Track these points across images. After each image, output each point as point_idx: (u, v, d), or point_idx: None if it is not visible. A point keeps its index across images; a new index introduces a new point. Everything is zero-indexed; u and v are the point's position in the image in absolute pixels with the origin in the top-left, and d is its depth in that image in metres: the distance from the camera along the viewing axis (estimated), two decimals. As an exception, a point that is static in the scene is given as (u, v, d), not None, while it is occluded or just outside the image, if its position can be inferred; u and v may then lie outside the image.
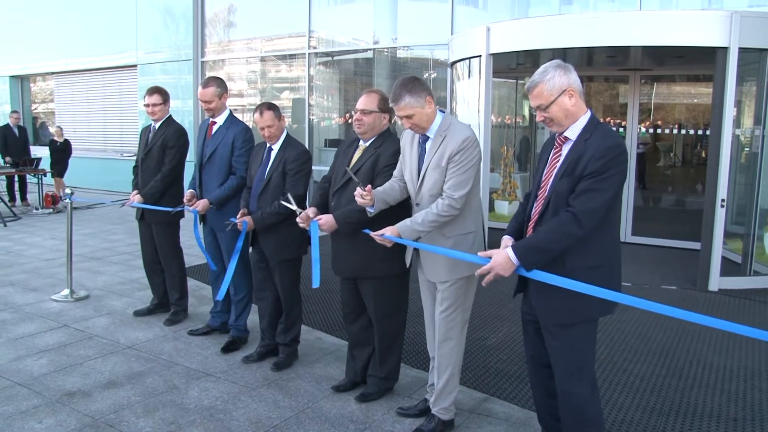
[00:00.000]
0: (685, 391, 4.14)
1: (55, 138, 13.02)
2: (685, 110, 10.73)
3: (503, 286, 5.91)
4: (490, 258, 2.78)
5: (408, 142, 3.53)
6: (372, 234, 3.36)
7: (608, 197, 2.65)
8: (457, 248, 3.30)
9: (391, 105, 3.38)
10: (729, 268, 7.03)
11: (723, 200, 6.54)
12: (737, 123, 7.04)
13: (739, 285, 6.74)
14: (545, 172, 2.87)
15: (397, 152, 3.66)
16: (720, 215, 6.56)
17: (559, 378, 2.87)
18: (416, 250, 3.49)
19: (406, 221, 3.29)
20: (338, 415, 3.74)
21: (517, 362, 4.58)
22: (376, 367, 3.98)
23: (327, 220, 3.66)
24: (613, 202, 2.71)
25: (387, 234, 3.29)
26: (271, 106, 4.32)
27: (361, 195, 3.36)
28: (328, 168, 4.14)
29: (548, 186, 2.80)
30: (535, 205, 2.88)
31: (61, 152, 12.85)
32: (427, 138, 3.38)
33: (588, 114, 2.78)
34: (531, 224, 2.87)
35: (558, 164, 2.79)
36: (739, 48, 6.35)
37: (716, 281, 6.65)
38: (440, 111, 3.40)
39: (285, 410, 3.80)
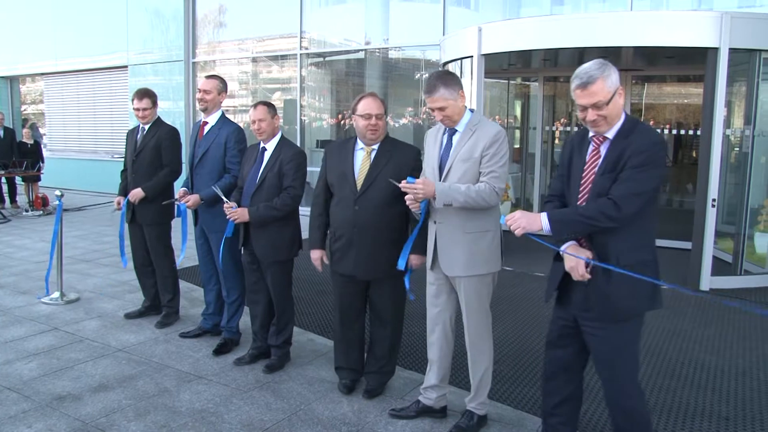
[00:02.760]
0: (677, 391, 4.15)
1: (24, 139, 12.50)
2: (675, 110, 10.79)
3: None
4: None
5: (432, 139, 3.58)
6: (404, 186, 3.31)
7: (647, 188, 2.65)
8: (476, 245, 3.38)
9: (424, 96, 3.43)
10: (720, 267, 7.06)
11: (714, 200, 6.56)
12: (727, 123, 7.07)
13: (730, 284, 6.77)
14: (585, 171, 2.83)
15: (419, 155, 3.78)
16: (711, 215, 6.58)
17: (614, 378, 2.85)
18: (434, 247, 3.52)
19: (445, 184, 3.31)
20: (330, 417, 3.73)
21: (508, 363, 4.58)
22: (384, 364, 4.05)
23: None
24: (653, 197, 2.73)
25: (419, 186, 3.25)
26: (267, 103, 4.38)
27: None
28: (319, 169, 4.10)
29: (590, 185, 2.79)
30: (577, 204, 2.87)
31: (32, 155, 12.27)
32: (455, 132, 3.44)
33: (623, 112, 2.77)
34: None
35: (599, 162, 2.77)
36: (730, 48, 6.37)
37: (707, 281, 6.67)
38: (469, 109, 3.47)
39: (277, 413, 3.78)
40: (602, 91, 2.66)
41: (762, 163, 7.27)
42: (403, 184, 3.31)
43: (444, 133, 3.50)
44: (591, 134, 2.82)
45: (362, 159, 3.81)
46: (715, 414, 3.84)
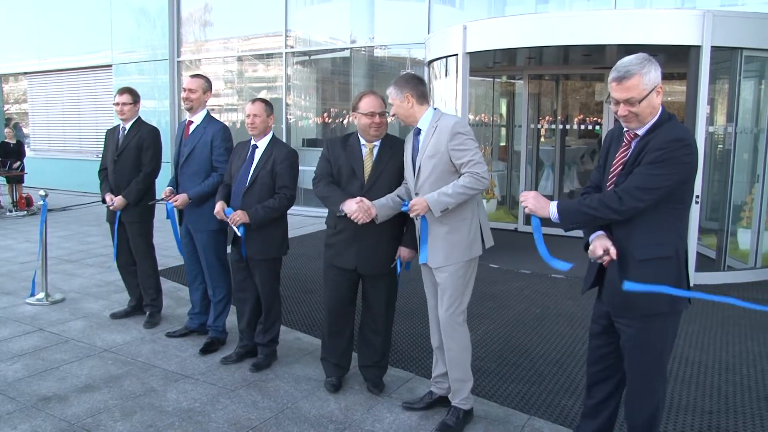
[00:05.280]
0: (662, 386, 4.19)
1: (6, 139, 12.29)
2: (659, 108, 10.84)
3: (480, 283, 5.89)
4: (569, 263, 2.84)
5: (408, 143, 3.71)
6: (410, 210, 3.45)
7: (656, 184, 2.59)
8: (455, 235, 3.48)
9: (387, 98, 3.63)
10: (704, 263, 7.13)
11: (697, 197, 6.60)
12: (710, 120, 7.13)
13: (714, 280, 6.83)
14: (613, 165, 2.83)
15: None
16: (694, 211, 6.63)
17: (635, 378, 2.87)
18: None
19: (433, 194, 3.39)
20: (317, 416, 3.73)
21: (495, 360, 4.60)
22: (380, 358, 4.10)
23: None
24: (679, 196, 2.69)
25: (415, 206, 3.41)
26: (266, 101, 4.43)
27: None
28: (311, 168, 4.16)
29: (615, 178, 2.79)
30: None
31: (14, 154, 12.06)
32: (419, 131, 3.57)
33: (659, 110, 2.71)
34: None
35: (626, 158, 2.77)
36: (712, 46, 6.43)
37: (691, 276, 6.69)
38: (434, 108, 3.62)
39: (264, 411, 3.78)
40: (637, 88, 2.61)
41: (744, 160, 7.35)
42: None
43: (414, 135, 3.63)
44: (625, 129, 2.79)
45: (365, 155, 3.87)
46: (699, 408, 3.88)
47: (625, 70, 2.62)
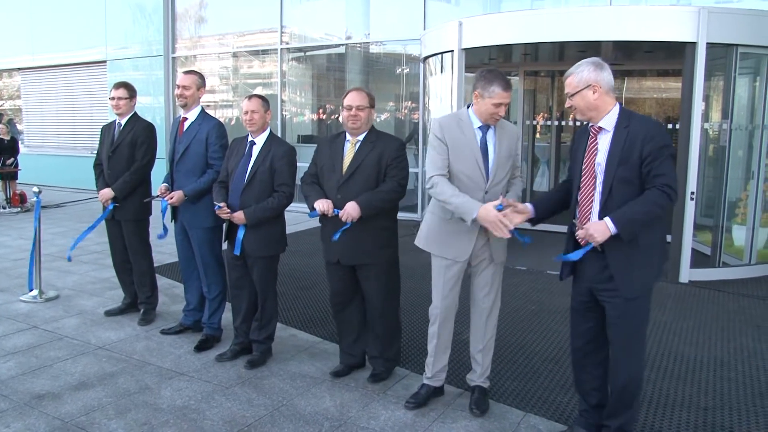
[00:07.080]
0: (657, 382, 4.20)
1: (0, 135, 12.18)
2: (655, 104, 10.87)
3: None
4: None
5: (456, 129, 3.56)
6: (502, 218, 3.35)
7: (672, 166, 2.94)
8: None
9: (505, 92, 3.44)
10: (699, 259, 7.14)
11: (693, 193, 6.62)
12: (706, 117, 7.13)
13: (709, 276, 6.84)
14: (585, 160, 3.09)
15: (402, 146, 3.99)
16: (690, 208, 6.65)
17: (620, 344, 3.10)
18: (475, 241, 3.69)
19: (512, 196, 3.58)
20: (313, 413, 3.72)
21: (491, 356, 4.60)
22: (383, 350, 4.15)
23: (352, 207, 3.77)
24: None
25: (510, 214, 3.36)
26: (262, 97, 4.43)
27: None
28: (306, 165, 4.22)
29: (598, 173, 3.01)
30: (580, 194, 3.11)
31: (9, 151, 12.01)
32: (488, 128, 3.57)
33: (617, 106, 3.04)
34: (593, 212, 3.05)
35: (606, 152, 2.99)
36: (707, 43, 6.44)
37: (687, 273, 6.74)
38: None
39: (259, 409, 3.77)
40: (571, 85, 3.05)
41: (739, 157, 7.35)
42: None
43: (476, 128, 3.55)
44: (590, 124, 3.11)
45: (348, 150, 3.96)
46: (694, 404, 3.89)
47: (568, 71, 3.07)
